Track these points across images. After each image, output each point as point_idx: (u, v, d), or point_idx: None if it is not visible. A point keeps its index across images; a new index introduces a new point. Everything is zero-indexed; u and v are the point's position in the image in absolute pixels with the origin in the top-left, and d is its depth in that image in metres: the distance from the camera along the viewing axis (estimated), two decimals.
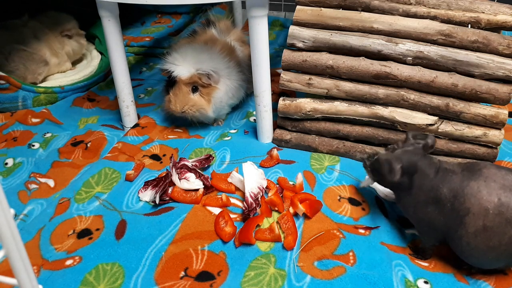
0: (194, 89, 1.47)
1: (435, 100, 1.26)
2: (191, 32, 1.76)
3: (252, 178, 1.22)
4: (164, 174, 1.27)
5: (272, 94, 1.45)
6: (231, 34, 1.72)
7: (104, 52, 2.06)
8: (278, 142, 1.47)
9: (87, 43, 2.09)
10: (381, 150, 1.36)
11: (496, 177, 0.92)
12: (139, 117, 1.63)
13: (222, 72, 1.50)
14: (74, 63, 2.05)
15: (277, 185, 1.26)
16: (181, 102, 1.46)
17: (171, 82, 1.49)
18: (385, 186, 1.10)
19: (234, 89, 1.56)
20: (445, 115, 1.28)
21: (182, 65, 1.44)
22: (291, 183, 1.27)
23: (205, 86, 1.47)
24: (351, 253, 1.06)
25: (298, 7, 1.35)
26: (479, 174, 0.94)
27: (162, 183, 1.23)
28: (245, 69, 1.63)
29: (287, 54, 1.35)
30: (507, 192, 0.90)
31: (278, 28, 2.51)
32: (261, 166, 1.35)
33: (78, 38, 1.98)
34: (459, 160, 1.31)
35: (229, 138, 1.51)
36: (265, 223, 1.14)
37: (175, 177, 1.25)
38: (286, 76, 1.37)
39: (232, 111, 1.69)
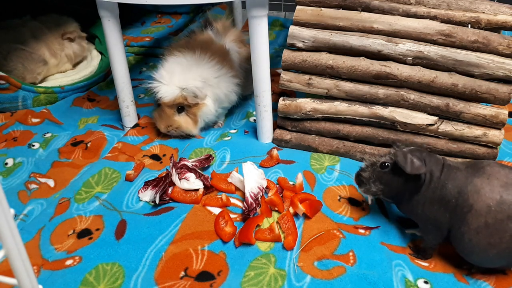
0: (180, 109, 1.44)
1: (435, 100, 1.26)
2: (189, 33, 1.72)
3: (252, 178, 1.22)
4: (164, 174, 1.27)
5: (272, 94, 1.44)
6: (229, 35, 1.68)
7: (104, 52, 2.06)
8: (278, 142, 1.47)
9: (88, 43, 2.09)
10: (381, 150, 1.36)
11: (499, 175, 0.93)
12: (139, 117, 1.63)
13: (211, 81, 1.45)
14: (75, 64, 2.04)
15: (277, 185, 1.26)
16: (165, 123, 1.45)
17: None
18: (389, 192, 1.06)
19: (223, 97, 1.51)
20: (445, 115, 1.28)
21: (167, 84, 1.40)
22: (291, 183, 1.27)
23: (191, 106, 1.44)
24: (351, 253, 1.06)
25: (298, 7, 1.35)
26: (483, 171, 0.95)
27: (162, 183, 1.23)
28: (240, 72, 1.59)
29: (287, 54, 1.35)
30: (509, 190, 0.91)
31: (278, 28, 2.51)
32: (261, 166, 1.35)
33: (79, 41, 1.99)
34: (459, 160, 1.31)
35: (229, 138, 1.51)
36: (265, 223, 1.14)
37: (175, 177, 1.25)
38: (286, 76, 1.37)
39: (232, 111, 1.69)
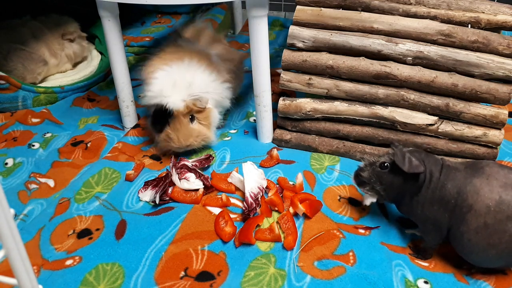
0: (192, 119, 1.34)
1: (435, 100, 1.26)
2: (160, 48, 1.55)
3: (252, 178, 1.22)
4: (164, 174, 1.27)
5: (272, 94, 1.44)
6: (202, 39, 1.58)
7: (104, 52, 2.06)
8: (278, 142, 1.47)
9: (88, 43, 2.09)
10: (381, 150, 1.36)
11: (498, 175, 0.93)
12: (139, 117, 1.63)
13: (209, 88, 1.38)
14: (75, 63, 2.04)
15: (277, 185, 1.26)
16: (184, 136, 1.33)
17: (160, 117, 1.33)
18: (389, 193, 1.05)
19: (221, 101, 1.46)
20: (445, 115, 1.28)
21: (172, 94, 1.30)
22: (291, 183, 1.27)
23: (200, 111, 1.35)
24: (351, 253, 1.06)
25: (298, 7, 1.35)
26: (482, 172, 0.95)
27: (162, 183, 1.23)
28: (229, 75, 1.50)
29: (287, 54, 1.35)
30: (508, 190, 0.91)
31: (278, 28, 2.51)
32: (261, 166, 1.35)
33: (80, 41, 1.98)
34: (459, 160, 1.31)
35: (229, 138, 1.51)
36: (265, 223, 1.14)
37: (175, 177, 1.25)
38: (286, 76, 1.37)
39: (232, 111, 1.69)
